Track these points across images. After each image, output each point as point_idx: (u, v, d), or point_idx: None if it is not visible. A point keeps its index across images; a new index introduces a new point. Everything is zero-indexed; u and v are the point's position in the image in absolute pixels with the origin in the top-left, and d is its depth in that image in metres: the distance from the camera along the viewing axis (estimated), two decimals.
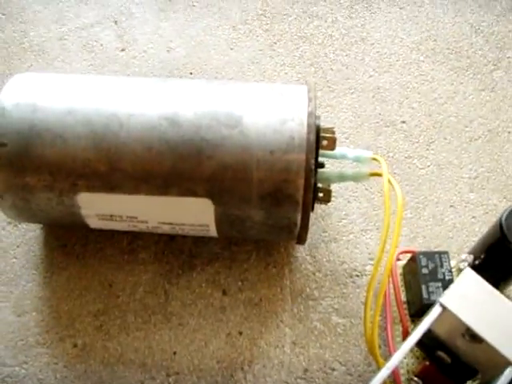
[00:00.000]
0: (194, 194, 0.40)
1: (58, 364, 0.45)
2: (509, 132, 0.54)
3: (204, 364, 0.45)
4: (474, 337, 0.36)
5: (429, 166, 0.52)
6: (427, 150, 0.53)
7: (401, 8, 0.61)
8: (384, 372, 0.34)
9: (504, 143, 0.53)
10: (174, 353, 0.45)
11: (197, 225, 0.42)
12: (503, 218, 0.39)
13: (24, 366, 0.45)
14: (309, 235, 0.46)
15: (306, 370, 0.44)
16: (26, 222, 0.49)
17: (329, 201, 0.44)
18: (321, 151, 0.42)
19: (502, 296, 0.37)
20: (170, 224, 0.42)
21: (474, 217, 0.50)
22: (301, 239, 0.43)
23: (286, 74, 0.57)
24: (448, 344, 0.39)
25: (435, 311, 0.36)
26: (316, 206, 0.45)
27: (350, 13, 0.61)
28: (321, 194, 0.44)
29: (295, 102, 0.40)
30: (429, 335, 0.39)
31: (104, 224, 0.44)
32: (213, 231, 0.43)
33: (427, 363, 0.41)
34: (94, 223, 0.44)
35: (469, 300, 0.36)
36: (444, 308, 0.36)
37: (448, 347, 0.39)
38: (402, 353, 0.35)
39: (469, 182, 0.52)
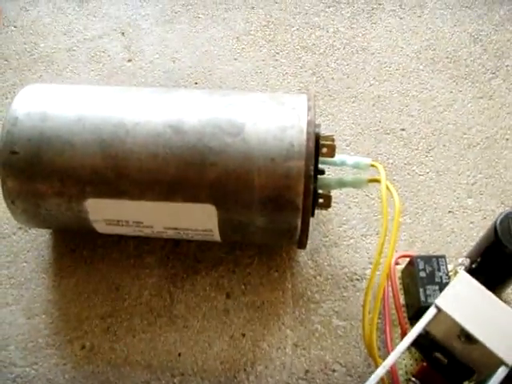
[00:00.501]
0: (198, 199, 0.41)
1: (66, 365, 0.46)
2: (507, 139, 0.55)
3: (208, 365, 0.46)
4: (468, 338, 0.37)
5: (428, 173, 0.54)
6: (426, 156, 0.54)
7: (401, 18, 0.63)
8: (380, 371, 0.36)
9: (502, 150, 0.55)
10: (179, 354, 0.46)
11: (201, 230, 0.43)
12: (498, 222, 0.40)
13: (34, 366, 0.46)
14: (310, 240, 0.48)
15: (307, 371, 0.45)
16: (36, 228, 0.50)
17: (329, 206, 0.45)
18: (321, 158, 0.44)
19: (495, 298, 0.38)
20: (175, 229, 0.44)
21: (471, 222, 0.51)
22: (301, 243, 0.44)
23: (288, 83, 0.59)
24: (444, 345, 0.40)
25: (430, 312, 0.37)
26: (317, 211, 0.46)
27: (351, 23, 0.62)
28: (321, 200, 0.45)
29: (295, 111, 0.42)
30: (426, 337, 0.40)
31: (111, 229, 0.45)
32: (216, 236, 0.44)
33: (425, 364, 0.42)
34: (101, 228, 0.45)
35: (463, 302, 0.37)
36: (439, 310, 0.37)
37: (445, 348, 0.40)
38: (398, 352, 0.36)
39: (467, 188, 0.53)
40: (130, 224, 0.44)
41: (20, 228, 0.51)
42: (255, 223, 0.42)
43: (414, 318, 0.43)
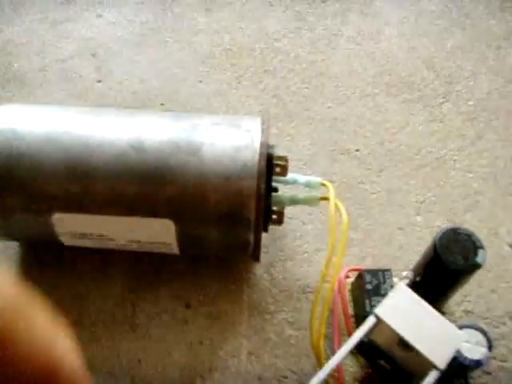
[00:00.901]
0: (157, 215, 0.44)
1: None
2: (455, 160, 0.58)
3: (167, 371, 0.48)
4: (406, 345, 0.40)
5: (379, 191, 0.57)
6: (378, 176, 0.57)
7: (359, 44, 0.66)
8: (321, 373, 0.38)
9: (450, 170, 0.58)
10: (139, 361, 0.48)
11: (160, 243, 0.46)
12: (437, 238, 0.43)
13: None
14: (266, 254, 0.51)
15: (260, 378, 0.48)
16: (4, 240, 0.52)
17: (281, 222, 0.48)
18: (274, 177, 0.46)
19: (430, 308, 0.41)
20: (136, 242, 0.46)
21: (419, 238, 0.54)
22: (255, 257, 0.47)
23: (249, 105, 0.62)
24: (387, 352, 0.43)
25: (370, 321, 0.40)
26: (273, 227, 0.49)
27: (312, 48, 0.66)
28: (274, 216, 0.48)
29: (249, 133, 0.45)
30: (370, 345, 0.43)
31: (76, 241, 0.47)
32: (175, 249, 0.47)
33: (369, 371, 0.45)
34: (67, 240, 0.47)
35: (400, 311, 0.40)
36: (378, 318, 0.40)
37: (387, 355, 0.43)
38: (339, 357, 0.39)
39: (416, 206, 0.56)
40: (94, 237, 0.46)
41: None
42: (211, 237, 0.45)
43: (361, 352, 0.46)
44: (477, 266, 0.42)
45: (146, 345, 0.49)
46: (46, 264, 0.53)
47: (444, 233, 0.43)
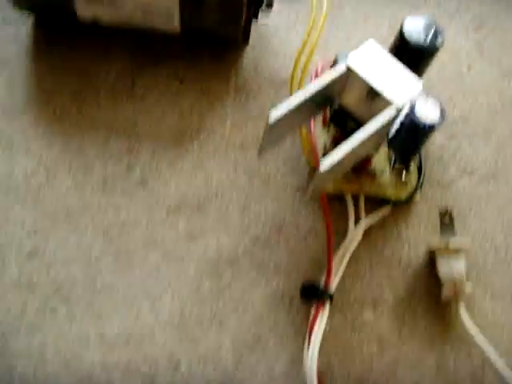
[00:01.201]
0: None
1: (39, 125, 0.55)
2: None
3: (160, 130, 0.55)
4: (372, 94, 0.45)
5: (358, 15, 0.63)
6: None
7: None
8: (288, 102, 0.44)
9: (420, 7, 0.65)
10: (135, 122, 0.55)
11: (164, 10, 0.52)
12: (404, 21, 0.48)
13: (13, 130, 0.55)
14: (253, 50, 0.57)
15: (242, 145, 0.55)
16: (21, 9, 0.57)
17: (271, 6, 0.55)
18: None
19: (396, 60, 0.46)
20: (143, 11, 0.52)
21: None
22: (246, 36, 0.54)
23: None
24: (355, 114, 0.48)
25: (340, 68, 0.45)
26: (260, 31, 0.57)
27: None
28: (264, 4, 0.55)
29: None
30: (340, 111, 0.49)
31: (90, 9, 0.53)
32: (176, 20, 0.52)
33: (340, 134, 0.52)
34: (81, 8, 0.53)
35: (369, 63, 0.45)
36: (349, 70, 0.46)
37: (355, 118, 0.49)
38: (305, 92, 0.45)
39: (389, 31, 0.62)
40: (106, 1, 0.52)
41: (3, 19, 0.59)
42: (210, 2, 0.51)
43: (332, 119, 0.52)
44: (436, 48, 0.48)
45: (142, 110, 0.56)
46: (57, 43, 0.58)
47: (410, 19, 0.48)
